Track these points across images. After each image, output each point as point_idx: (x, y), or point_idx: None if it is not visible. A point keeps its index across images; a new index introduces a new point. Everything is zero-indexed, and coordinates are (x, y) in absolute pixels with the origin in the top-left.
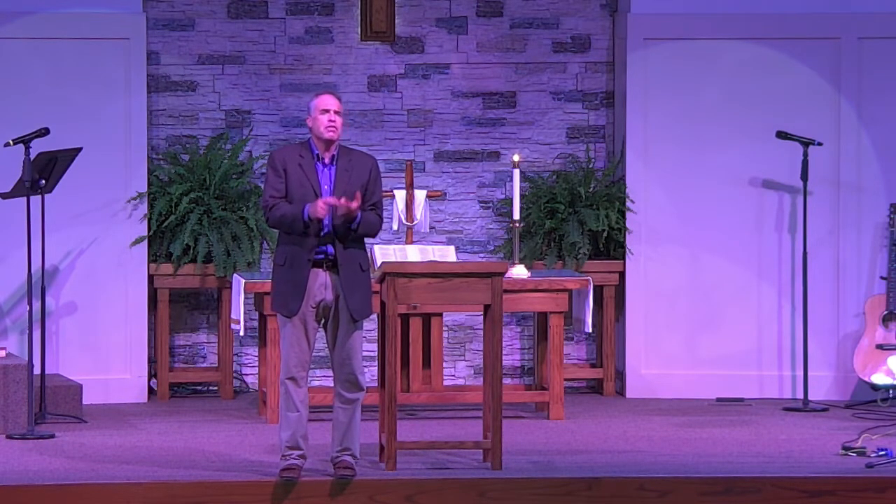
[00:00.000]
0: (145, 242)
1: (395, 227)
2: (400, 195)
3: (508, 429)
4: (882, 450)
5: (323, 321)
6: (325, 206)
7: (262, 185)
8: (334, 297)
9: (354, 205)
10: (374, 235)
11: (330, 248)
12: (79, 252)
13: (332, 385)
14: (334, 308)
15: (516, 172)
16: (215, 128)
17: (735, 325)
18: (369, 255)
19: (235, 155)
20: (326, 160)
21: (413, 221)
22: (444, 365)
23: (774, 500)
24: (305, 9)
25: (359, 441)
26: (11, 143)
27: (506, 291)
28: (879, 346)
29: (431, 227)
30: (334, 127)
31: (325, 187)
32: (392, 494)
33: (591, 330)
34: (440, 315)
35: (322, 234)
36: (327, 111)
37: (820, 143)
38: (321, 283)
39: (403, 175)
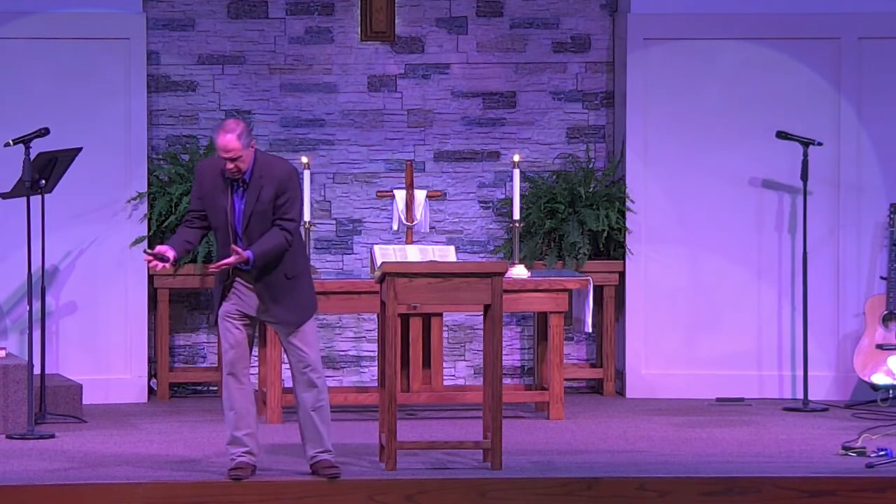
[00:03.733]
0: (145, 242)
1: (395, 227)
2: (400, 195)
3: (508, 429)
4: (882, 450)
5: (252, 322)
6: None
7: None
8: (262, 309)
9: (231, 261)
10: (284, 251)
11: (247, 266)
12: (79, 252)
13: (332, 385)
14: (266, 317)
15: (516, 172)
16: (215, 128)
17: (735, 325)
18: (290, 259)
19: None
20: (242, 180)
21: (413, 221)
22: (444, 365)
23: (774, 500)
24: (305, 9)
25: (330, 434)
26: (11, 143)
27: (506, 291)
28: (879, 346)
29: (431, 227)
30: (236, 171)
31: (237, 207)
32: (392, 494)
33: (591, 330)
34: (440, 315)
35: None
36: (225, 159)
37: (820, 143)
38: (239, 291)
39: (403, 175)
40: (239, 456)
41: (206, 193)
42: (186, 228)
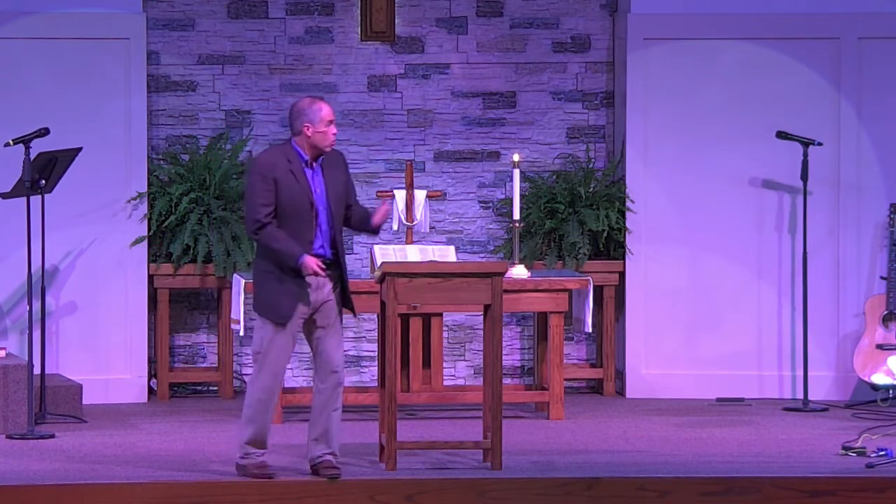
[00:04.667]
0: (145, 242)
1: (395, 227)
2: (400, 195)
3: (508, 429)
4: (882, 450)
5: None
6: (318, 268)
7: (247, 193)
8: (327, 294)
9: (381, 216)
10: None
11: (329, 252)
12: (79, 252)
13: None
14: (325, 304)
15: (516, 172)
16: (215, 128)
17: (735, 325)
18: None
19: (235, 155)
20: (315, 165)
21: (413, 221)
22: (444, 365)
23: (774, 500)
24: (305, 9)
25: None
26: (11, 143)
27: (506, 291)
28: (879, 346)
29: (431, 227)
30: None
31: (318, 191)
32: (392, 494)
33: (591, 330)
34: (440, 315)
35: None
36: (332, 122)
37: (820, 143)
38: (315, 287)
39: (403, 175)
40: (259, 456)
41: (281, 185)
42: (281, 230)
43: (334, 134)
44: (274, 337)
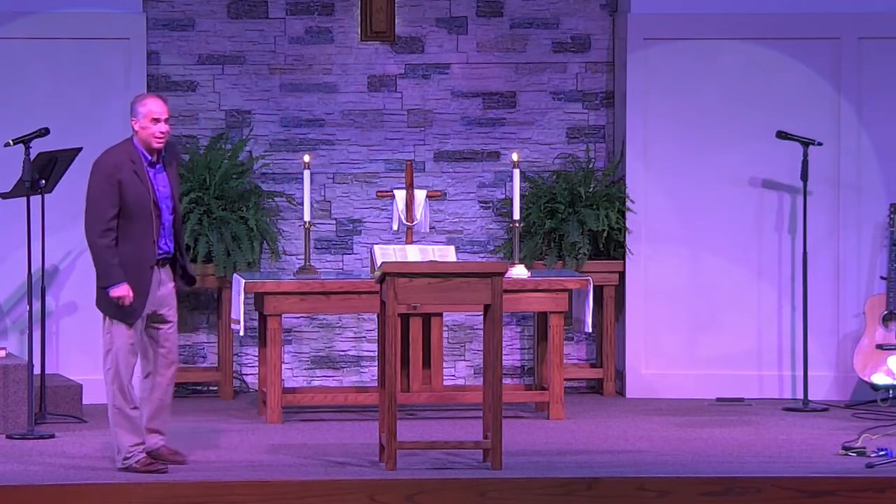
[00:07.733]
0: None
1: (395, 227)
2: (400, 195)
3: (508, 429)
4: (882, 450)
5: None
6: (128, 301)
7: (94, 195)
8: (169, 290)
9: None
10: None
11: (171, 248)
12: (79, 252)
13: (332, 385)
14: (167, 298)
15: (516, 172)
16: (215, 128)
17: (735, 325)
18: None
19: (235, 155)
20: (157, 163)
21: (413, 221)
22: (444, 365)
23: (774, 500)
24: (305, 9)
25: None
26: (11, 143)
27: (506, 291)
28: (879, 346)
29: (431, 227)
30: (164, 138)
31: (160, 189)
32: (392, 494)
33: (591, 330)
34: (440, 315)
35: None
36: (158, 120)
37: (820, 143)
38: (157, 281)
39: (403, 175)
40: (141, 452)
41: (125, 186)
42: (114, 249)
43: (162, 132)
44: (124, 335)
